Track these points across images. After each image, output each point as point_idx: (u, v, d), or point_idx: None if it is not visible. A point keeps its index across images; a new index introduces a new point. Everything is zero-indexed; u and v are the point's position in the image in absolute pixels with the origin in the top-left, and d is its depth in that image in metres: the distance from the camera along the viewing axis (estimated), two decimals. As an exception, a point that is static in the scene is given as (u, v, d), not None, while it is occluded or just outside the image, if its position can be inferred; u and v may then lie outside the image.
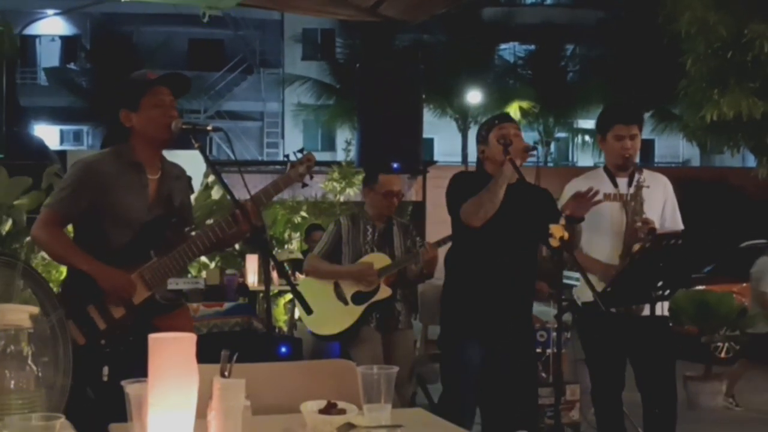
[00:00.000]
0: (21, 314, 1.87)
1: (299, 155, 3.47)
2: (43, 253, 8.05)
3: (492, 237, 4.03)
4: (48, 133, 24.83)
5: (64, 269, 3.51)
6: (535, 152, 4.02)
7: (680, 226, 4.40)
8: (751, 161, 17.07)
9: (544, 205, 4.21)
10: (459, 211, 4.05)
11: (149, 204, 3.40)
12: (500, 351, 4.10)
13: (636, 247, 4.10)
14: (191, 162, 4.02)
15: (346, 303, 5.09)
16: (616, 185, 4.36)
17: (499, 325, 4.09)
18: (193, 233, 3.58)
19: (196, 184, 4.31)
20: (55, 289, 3.48)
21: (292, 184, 3.51)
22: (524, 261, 4.21)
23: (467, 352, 4.14)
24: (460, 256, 4.24)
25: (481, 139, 4.24)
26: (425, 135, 9.42)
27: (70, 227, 3.52)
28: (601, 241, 4.32)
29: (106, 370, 3.23)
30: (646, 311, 4.10)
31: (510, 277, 4.13)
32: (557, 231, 3.55)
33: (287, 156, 3.49)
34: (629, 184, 4.35)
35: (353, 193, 12.17)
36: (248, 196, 3.37)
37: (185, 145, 3.41)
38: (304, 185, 3.52)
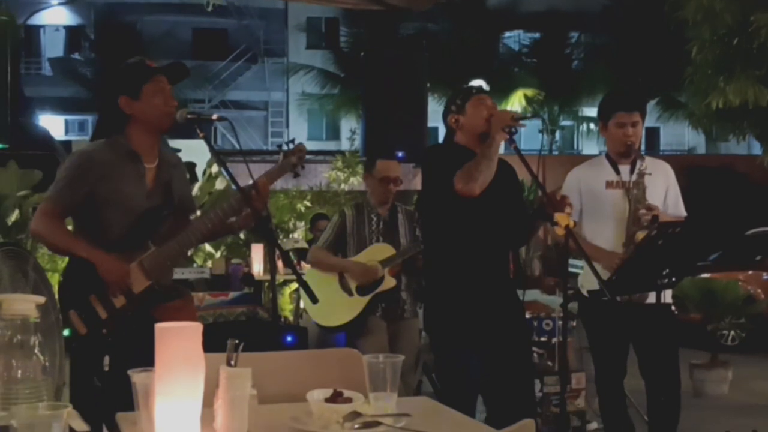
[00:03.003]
0: (28, 304, 1.87)
1: (291, 146, 3.49)
2: (49, 243, 8.09)
3: (483, 213, 3.87)
4: (53, 123, 24.84)
5: (69, 259, 3.50)
6: (524, 123, 3.87)
7: (683, 213, 4.39)
8: (757, 149, 17.01)
9: (514, 184, 4.10)
10: (446, 183, 3.82)
11: (147, 192, 3.40)
12: (500, 346, 3.94)
13: (640, 235, 4.09)
14: (195, 151, 4.03)
15: (350, 294, 5.09)
16: (618, 172, 4.34)
17: (497, 322, 3.92)
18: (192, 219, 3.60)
19: (200, 173, 4.31)
20: (60, 278, 3.50)
21: (285, 174, 3.53)
22: (508, 242, 4.11)
23: (469, 362, 3.93)
24: (452, 247, 3.97)
25: (457, 109, 4.02)
26: (430, 124, 9.39)
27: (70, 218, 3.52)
28: (604, 228, 4.31)
29: (106, 359, 3.24)
30: (651, 299, 4.08)
31: (500, 261, 4.02)
32: (562, 219, 3.53)
33: (279, 146, 3.51)
34: (631, 172, 4.33)
35: (357, 182, 12.18)
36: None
37: (190, 135, 3.42)
38: (296, 175, 3.54)
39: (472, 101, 3.99)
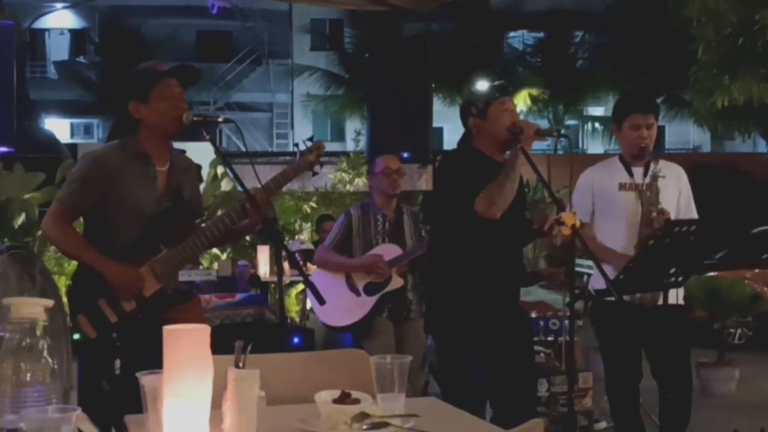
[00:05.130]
0: (36, 308, 1.87)
1: (309, 144, 3.46)
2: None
3: (499, 228, 3.83)
4: (58, 127, 24.88)
5: (75, 262, 3.52)
6: (548, 138, 3.87)
7: (694, 216, 4.35)
8: (762, 147, 17.01)
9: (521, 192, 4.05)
10: (462, 192, 3.78)
11: (158, 196, 3.41)
12: (506, 348, 3.92)
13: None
14: (201, 153, 4.02)
15: (358, 294, 5.09)
16: (631, 175, 4.32)
17: (503, 325, 3.92)
18: (203, 225, 3.59)
19: (204, 175, 4.32)
20: (67, 281, 3.51)
21: (302, 173, 3.50)
22: (519, 251, 4.13)
23: (474, 365, 3.92)
24: (461, 252, 3.92)
25: (478, 113, 3.92)
26: (435, 124, 9.40)
27: (80, 219, 3.53)
28: (616, 230, 4.28)
29: (118, 363, 3.25)
30: (662, 300, 4.07)
31: (511, 270, 4.02)
32: (569, 219, 3.52)
33: (297, 145, 3.48)
34: (645, 174, 4.31)
35: (362, 183, 12.17)
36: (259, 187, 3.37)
37: (196, 137, 3.43)
38: (314, 174, 3.50)
39: (495, 105, 3.90)
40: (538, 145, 4.73)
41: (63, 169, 8.74)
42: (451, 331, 3.96)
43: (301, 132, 26.18)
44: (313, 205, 11.85)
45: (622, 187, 4.31)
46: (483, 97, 3.98)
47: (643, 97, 4.67)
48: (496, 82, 4.19)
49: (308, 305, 7.75)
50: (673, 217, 4.22)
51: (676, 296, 4.19)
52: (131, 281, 3.27)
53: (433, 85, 9.98)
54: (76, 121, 27.80)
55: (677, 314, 4.21)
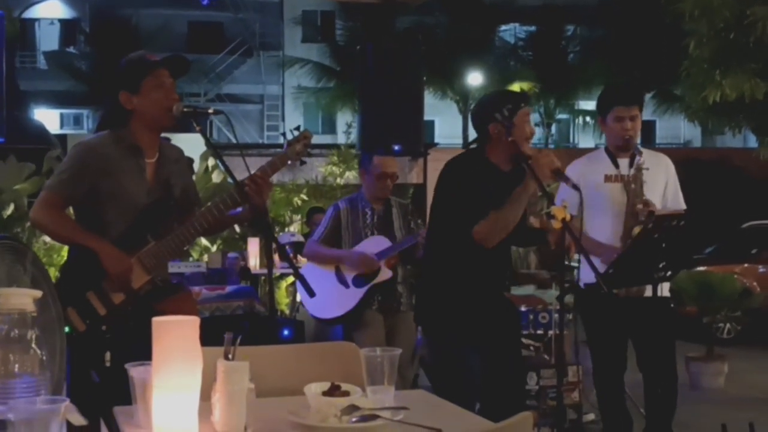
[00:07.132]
0: (25, 298, 1.86)
1: (296, 133, 3.44)
2: (45, 237, 8.08)
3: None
4: (48, 117, 24.78)
5: (65, 254, 3.50)
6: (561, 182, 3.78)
7: (682, 206, 4.39)
8: (753, 142, 17.02)
9: None
10: (465, 210, 3.74)
11: (148, 188, 3.39)
12: (498, 343, 3.91)
13: (637, 229, 4.10)
14: (191, 145, 4.01)
15: (347, 286, 5.09)
16: (617, 166, 4.35)
17: (496, 320, 3.91)
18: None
19: (195, 167, 4.30)
20: (56, 273, 3.49)
21: (290, 163, 3.47)
22: (509, 251, 4.14)
23: (470, 360, 3.94)
24: (457, 248, 3.88)
25: (503, 118, 3.77)
26: (426, 117, 9.38)
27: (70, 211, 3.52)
28: (602, 222, 4.31)
29: (108, 355, 3.23)
30: (648, 292, 4.09)
31: (503, 267, 4.03)
32: (559, 212, 3.52)
33: (284, 134, 3.45)
34: (630, 165, 4.34)
35: (353, 176, 12.16)
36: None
37: (186, 129, 3.41)
38: (302, 163, 3.48)
39: (520, 114, 3.80)
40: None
41: (49, 160, 8.72)
42: (445, 323, 3.96)
43: (292, 124, 25.67)
44: (304, 197, 11.84)
45: (608, 178, 4.33)
46: (510, 104, 3.83)
47: (627, 89, 4.68)
48: (520, 91, 4.11)
49: (298, 298, 7.75)
50: (659, 207, 4.25)
51: (661, 288, 4.21)
52: (125, 268, 3.25)
53: (425, 78, 9.97)
54: (66, 111, 27.69)
55: (662, 306, 4.23)
